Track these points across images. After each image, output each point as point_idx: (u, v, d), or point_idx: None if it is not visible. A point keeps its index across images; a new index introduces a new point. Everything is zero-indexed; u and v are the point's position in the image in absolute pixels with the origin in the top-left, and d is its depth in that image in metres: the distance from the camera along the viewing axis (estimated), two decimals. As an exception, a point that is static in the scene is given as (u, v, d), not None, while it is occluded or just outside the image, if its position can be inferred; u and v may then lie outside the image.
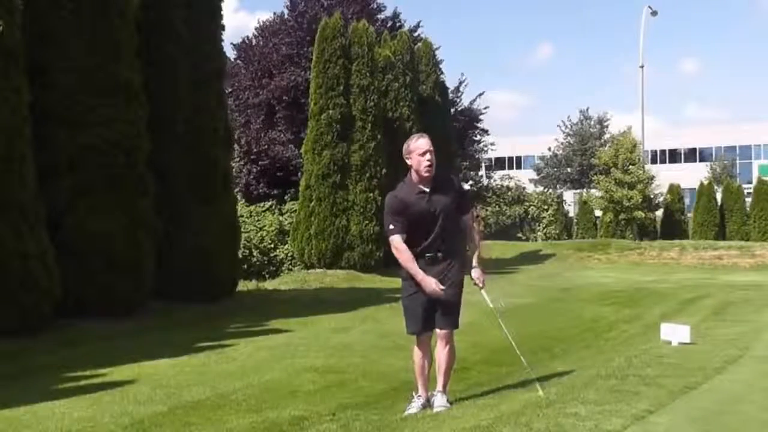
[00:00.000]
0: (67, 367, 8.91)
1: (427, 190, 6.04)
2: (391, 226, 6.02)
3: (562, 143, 60.75)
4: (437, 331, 6.17)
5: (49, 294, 11.16)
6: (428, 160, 5.97)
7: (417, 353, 6.28)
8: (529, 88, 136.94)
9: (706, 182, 36.82)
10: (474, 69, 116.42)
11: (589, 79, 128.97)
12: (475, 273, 6.20)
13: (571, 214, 44.19)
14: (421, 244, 6.03)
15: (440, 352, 6.21)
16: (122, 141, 12.65)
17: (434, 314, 6.11)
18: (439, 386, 6.27)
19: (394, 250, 6.07)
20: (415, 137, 6.18)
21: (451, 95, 31.60)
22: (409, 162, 6.10)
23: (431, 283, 5.93)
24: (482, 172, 36.08)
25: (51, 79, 12.21)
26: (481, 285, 6.21)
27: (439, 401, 6.21)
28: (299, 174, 24.17)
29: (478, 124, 35.64)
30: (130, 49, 13.12)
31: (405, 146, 6.14)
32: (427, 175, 6.01)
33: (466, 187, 35.49)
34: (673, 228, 35.36)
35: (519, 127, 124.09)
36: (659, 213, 36.66)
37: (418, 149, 6.02)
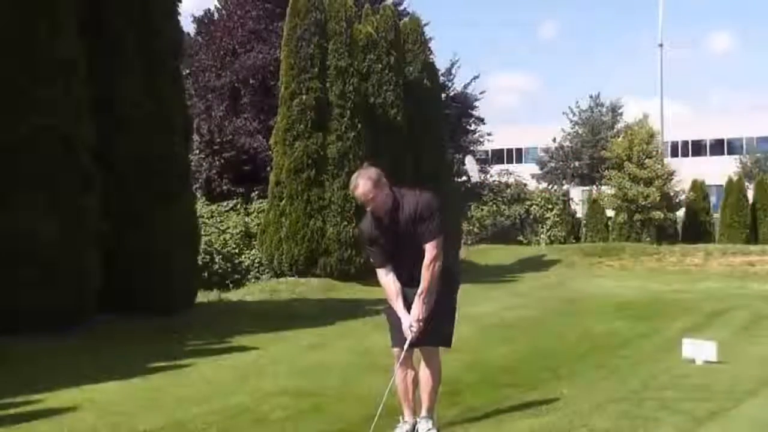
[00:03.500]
0: (-4, 391, 8.84)
1: (387, 221, 6.19)
2: (372, 259, 6.43)
3: (569, 134, 60.91)
4: (420, 348, 6.25)
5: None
6: (372, 207, 6.17)
7: (397, 373, 6.34)
8: (531, 70, 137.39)
9: (735, 178, 36.94)
10: (468, 49, 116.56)
11: (601, 60, 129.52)
12: (411, 315, 6.15)
13: (579, 215, 44.28)
14: (397, 271, 6.27)
15: (422, 372, 6.33)
16: (60, 128, 12.54)
17: None
18: (423, 411, 6.37)
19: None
20: (352, 182, 6.26)
21: (442, 78, 31.65)
22: None
23: (405, 325, 6.16)
24: (470, 165, 36.00)
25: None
26: (411, 334, 6.14)
27: (424, 427, 6.31)
28: (269, 169, 24.12)
29: (473, 112, 35.73)
30: (71, 22, 13.02)
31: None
32: (378, 213, 6.20)
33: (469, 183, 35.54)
34: (696, 230, 35.48)
35: (520, 115, 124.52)
36: (680, 213, 36.78)
37: (358, 199, 6.27)
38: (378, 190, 6.09)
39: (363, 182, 6.11)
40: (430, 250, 6.10)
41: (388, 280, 6.26)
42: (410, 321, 6.08)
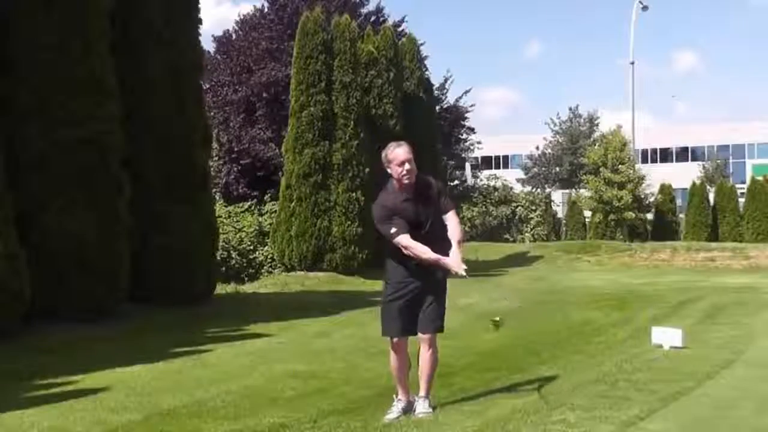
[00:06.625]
0: (38, 374, 8.83)
1: (411, 197, 6.05)
2: (393, 230, 5.97)
3: (551, 142, 60.90)
4: (420, 335, 6.18)
5: (19, 297, 11.07)
6: (407, 170, 5.96)
7: (393, 357, 6.29)
8: (517, 85, 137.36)
9: (698, 182, 36.94)
10: (460, 66, 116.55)
11: (580, 76, 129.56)
12: (452, 259, 6.04)
13: (560, 215, 44.31)
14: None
15: (423, 356, 6.24)
16: (96, 139, 12.55)
17: (414, 318, 6.13)
18: (422, 392, 6.30)
19: (406, 251, 5.97)
20: (392, 146, 6.11)
21: (436, 92, 31.65)
22: (389, 170, 6.10)
23: (449, 262, 6.02)
24: (467, 171, 36.08)
25: (21, 74, 12.12)
26: (455, 271, 6.04)
27: (421, 407, 6.23)
28: (280, 173, 24.11)
29: (464, 122, 35.73)
30: (103, 43, 13.02)
31: (383, 155, 6.10)
32: (407, 182, 6.02)
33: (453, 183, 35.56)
34: (664, 229, 35.48)
35: (507, 126, 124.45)
36: (650, 214, 36.80)
37: (396, 159, 5.99)
38: (412, 158, 6.02)
39: (405, 147, 6.03)
40: (452, 216, 6.17)
41: (413, 242, 5.94)
42: (459, 264, 6.00)
